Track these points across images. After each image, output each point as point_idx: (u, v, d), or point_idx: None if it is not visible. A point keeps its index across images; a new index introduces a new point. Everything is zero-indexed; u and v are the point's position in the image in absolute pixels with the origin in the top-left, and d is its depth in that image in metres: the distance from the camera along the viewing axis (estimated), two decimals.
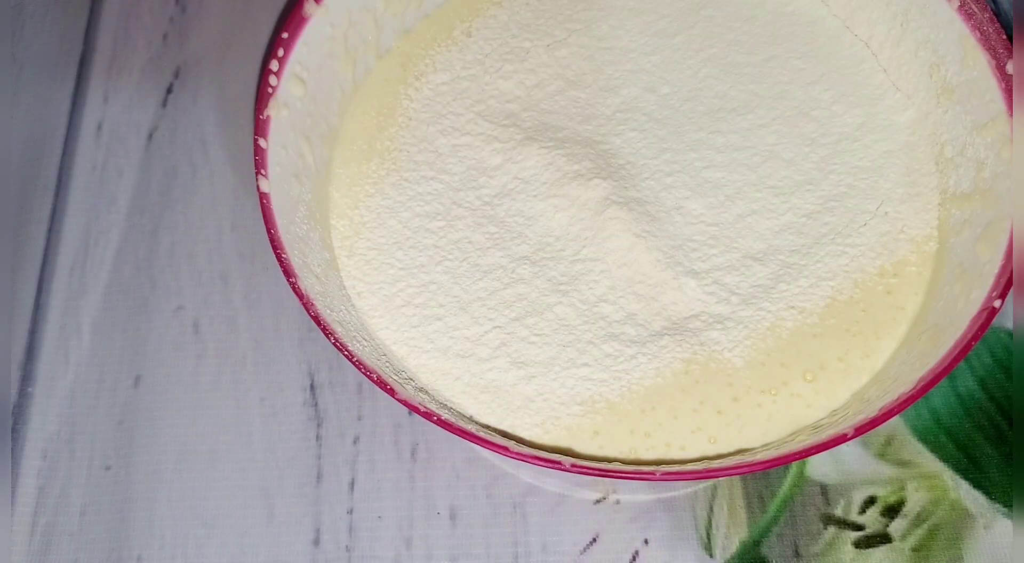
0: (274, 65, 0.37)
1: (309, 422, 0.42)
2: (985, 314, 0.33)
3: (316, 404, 0.43)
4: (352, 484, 0.41)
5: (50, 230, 0.47)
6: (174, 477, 0.42)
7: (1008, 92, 0.35)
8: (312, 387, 0.43)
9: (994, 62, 0.36)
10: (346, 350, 0.33)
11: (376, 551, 0.40)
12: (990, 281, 0.33)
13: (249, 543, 0.40)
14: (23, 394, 0.44)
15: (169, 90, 0.50)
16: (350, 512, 0.41)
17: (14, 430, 0.43)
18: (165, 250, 0.46)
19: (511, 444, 0.33)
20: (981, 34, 0.36)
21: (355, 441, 0.42)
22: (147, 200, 0.48)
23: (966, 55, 0.37)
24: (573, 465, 0.32)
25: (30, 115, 0.50)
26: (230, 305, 0.45)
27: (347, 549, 0.40)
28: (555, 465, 0.32)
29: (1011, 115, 0.35)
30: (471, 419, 0.36)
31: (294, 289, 0.34)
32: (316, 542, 0.40)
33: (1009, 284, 0.33)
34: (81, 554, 0.41)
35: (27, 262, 0.46)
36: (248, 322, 0.45)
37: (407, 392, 0.34)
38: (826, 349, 0.37)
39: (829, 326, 0.37)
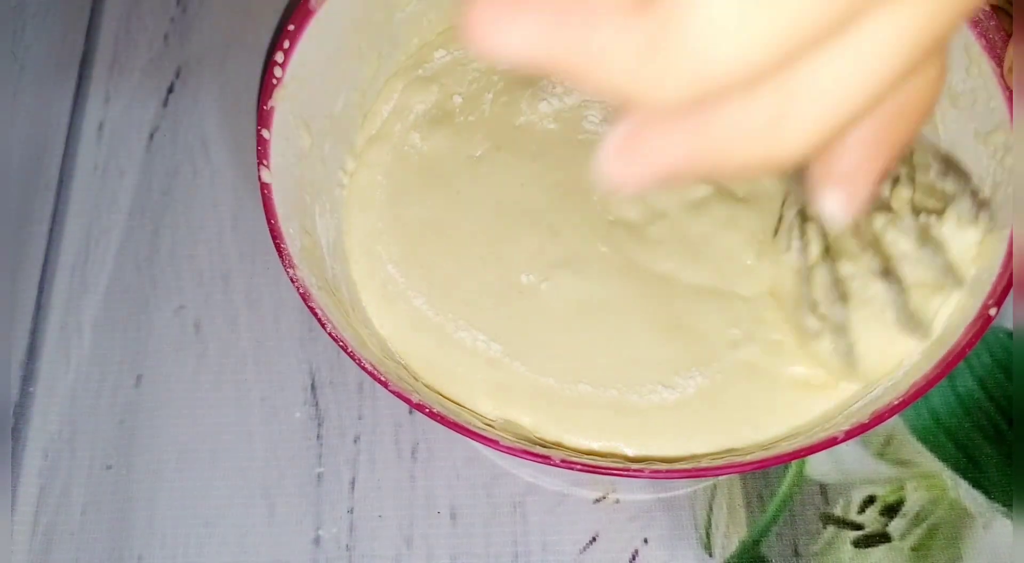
0: (279, 57, 0.38)
1: (310, 421, 0.43)
2: (980, 322, 0.33)
3: (317, 403, 0.43)
4: (353, 483, 0.41)
5: (51, 230, 0.47)
6: (175, 477, 0.42)
7: (1011, 100, 0.35)
8: (313, 386, 0.43)
9: (999, 70, 0.36)
10: (340, 340, 0.33)
11: (376, 550, 0.40)
12: (986, 289, 0.33)
13: (250, 542, 0.40)
14: (24, 393, 0.44)
15: (170, 90, 0.50)
16: (351, 511, 0.41)
17: (15, 430, 0.43)
18: (166, 250, 0.46)
19: (502, 437, 0.33)
20: (987, 41, 0.36)
21: (356, 440, 0.42)
22: (148, 200, 0.48)
23: (971, 63, 0.37)
24: (563, 461, 0.32)
25: (31, 115, 0.50)
26: (231, 305, 0.45)
27: (347, 548, 0.40)
28: (545, 460, 0.32)
29: (1012, 113, 0.35)
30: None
31: (291, 279, 0.34)
32: (316, 541, 0.40)
33: (1006, 292, 0.33)
34: (82, 553, 0.41)
35: (28, 262, 0.46)
36: (249, 322, 0.45)
37: (402, 384, 0.34)
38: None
39: None
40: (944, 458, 0.40)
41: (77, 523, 0.41)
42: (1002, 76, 0.35)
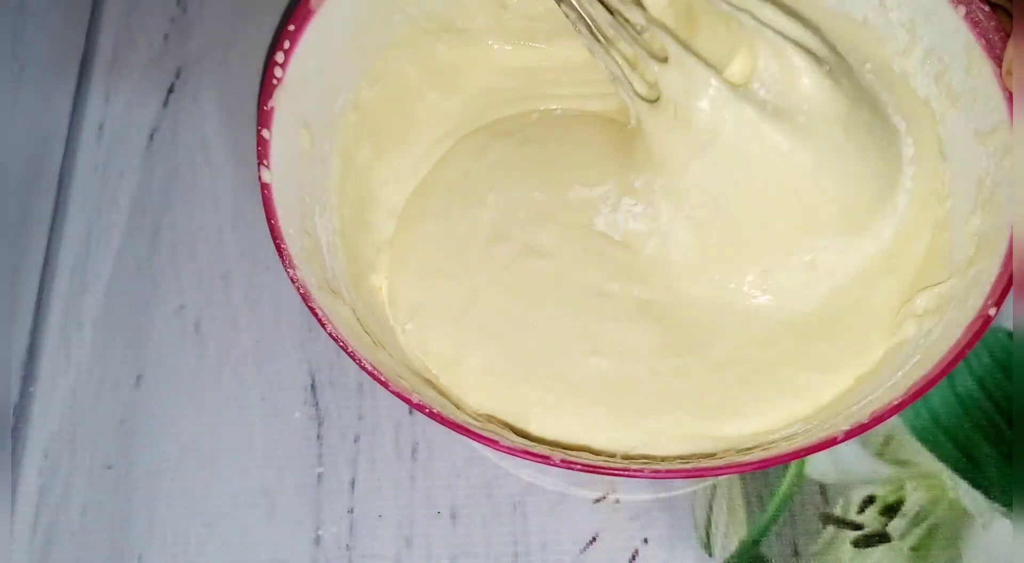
0: (279, 57, 0.38)
1: (310, 421, 0.43)
2: (980, 322, 0.32)
3: (317, 403, 0.43)
4: (353, 483, 0.41)
5: (52, 230, 0.47)
6: (175, 476, 0.42)
7: (1011, 101, 0.35)
8: (313, 386, 0.43)
9: (998, 70, 0.36)
10: (341, 340, 0.33)
11: (376, 550, 0.40)
12: (987, 289, 0.33)
13: (250, 542, 0.40)
14: (25, 393, 0.44)
15: (170, 90, 0.50)
16: (351, 511, 0.41)
17: (15, 429, 0.43)
18: (166, 250, 0.46)
19: (502, 438, 0.33)
20: (987, 42, 0.36)
21: (356, 440, 0.42)
22: (148, 200, 0.48)
23: (971, 63, 0.37)
24: (563, 460, 0.32)
25: (31, 115, 0.50)
26: (231, 305, 0.45)
27: (347, 548, 0.40)
28: (545, 460, 0.32)
29: (1011, 114, 0.35)
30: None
31: (292, 279, 0.34)
32: (317, 541, 0.40)
33: (1005, 292, 0.33)
34: (82, 553, 0.41)
35: (29, 262, 0.46)
36: (249, 322, 0.45)
37: (402, 384, 0.34)
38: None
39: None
40: (943, 458, 0.41)
41: (77, 523, 0.41)
42: (1002, 76, 0.36)
